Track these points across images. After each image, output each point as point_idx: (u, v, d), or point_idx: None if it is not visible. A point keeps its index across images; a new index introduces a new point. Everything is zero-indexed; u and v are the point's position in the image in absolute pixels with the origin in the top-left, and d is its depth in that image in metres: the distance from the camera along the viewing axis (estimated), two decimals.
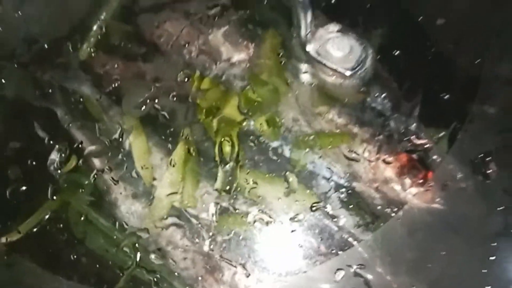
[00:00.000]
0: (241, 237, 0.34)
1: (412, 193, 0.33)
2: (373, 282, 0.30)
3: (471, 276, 0.29)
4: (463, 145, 0.34)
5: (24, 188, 0.36)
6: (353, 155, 0.36)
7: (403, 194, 0.34)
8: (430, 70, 0.37)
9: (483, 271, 0.29)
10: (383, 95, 0.37)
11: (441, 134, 0.34)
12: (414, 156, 0.34)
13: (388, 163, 0.34)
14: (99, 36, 0.41)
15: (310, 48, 0.34)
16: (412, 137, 0.36)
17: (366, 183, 0.34)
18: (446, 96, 0.36)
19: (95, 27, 0.41)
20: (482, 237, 0.30)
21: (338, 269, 0.31)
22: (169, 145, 0.37)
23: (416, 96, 0.36)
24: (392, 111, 0.36)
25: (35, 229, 0.35)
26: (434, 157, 0.35)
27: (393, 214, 0.33)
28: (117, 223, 0.36)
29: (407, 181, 0.34)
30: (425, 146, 0.35)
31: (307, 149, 0.36)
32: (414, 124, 0.35)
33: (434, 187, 0.34)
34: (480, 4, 0.38)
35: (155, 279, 0.33)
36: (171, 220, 0.35)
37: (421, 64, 0.37)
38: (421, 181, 0.34)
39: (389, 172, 0.34)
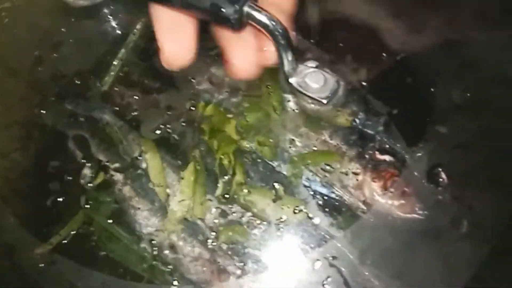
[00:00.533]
0: (240, 241, 0.36)
1: (395, 205, 0.36)
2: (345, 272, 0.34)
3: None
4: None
5: (61, 199, 0.39)
6: (343, 171, 0.38)
7: (387, 206, 0.36)
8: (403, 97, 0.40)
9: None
10: (368, 119, 0.39)
11: (421, 153, 0.37)
12: (396, 171, 0.37)
13: (373, 178, 0.37)
14: (120, 73, 0.44)
15: (292, 80, 0.36)
16: (395, 155, 0.38)
17: (354, 197, 0.37)
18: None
19: (115, 63, 0.44)
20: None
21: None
22: (180, 164, 0.39)
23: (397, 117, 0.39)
24: (378, 132, 0.39)
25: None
26: (414, 172, 0.37)
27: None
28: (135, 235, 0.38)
29: (390, 194, 0.36)
30: (406, 163, 0.37)
31: (302, 167, 0.38)
32: (398, 144, 0.38)
33: (413, 198, 0.36)
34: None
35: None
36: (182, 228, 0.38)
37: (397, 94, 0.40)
38: (402, 194, 0.36)
39: (375, 186, 0.37)
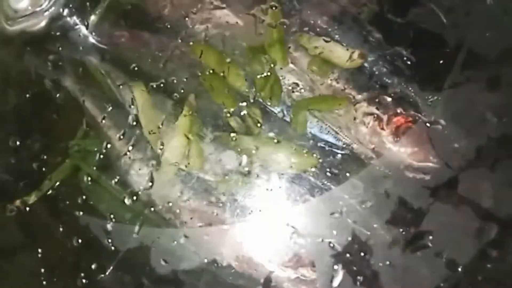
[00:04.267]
0: (244, 194, 0.35)
1: (407, 153, 0.34)
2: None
3: None
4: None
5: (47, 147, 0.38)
6: (351, 118, 0.36)
7: (399, 154, 0.34)
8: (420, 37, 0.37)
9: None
10: (379, 61, 0.37)
11: (435, 97, 0.35)
12: (409, 118, 0.35)
13: (384, 124, 0.35)
14: (107, 11, 0.41)
15: None
16: (407, 100, 0.36)
17: (363, 145, 0.35)
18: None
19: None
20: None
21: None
22: (175, 111, 0.37)
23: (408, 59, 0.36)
24: (388, 76, 0.37)
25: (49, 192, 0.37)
26: (429, 118, 0.35)
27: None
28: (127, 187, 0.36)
29: (403, 141, 0.34)
30: (419, 108, 0.35)
31: (306, 113, 0.36)
32: (410, 88, 0.36)
33: (428, 146, 0.34)
34: None
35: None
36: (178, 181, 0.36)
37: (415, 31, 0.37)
38: (415, 140, 0.34)
39: (385, 133, 0.35)
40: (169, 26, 0.40)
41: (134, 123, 0.38)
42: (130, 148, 0.37)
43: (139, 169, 0.37)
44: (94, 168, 0.37)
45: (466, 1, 0.37)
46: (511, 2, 0.36)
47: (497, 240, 0.29)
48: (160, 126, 0.37)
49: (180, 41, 0.39)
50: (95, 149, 0.38)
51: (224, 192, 0.35)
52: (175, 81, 0.38)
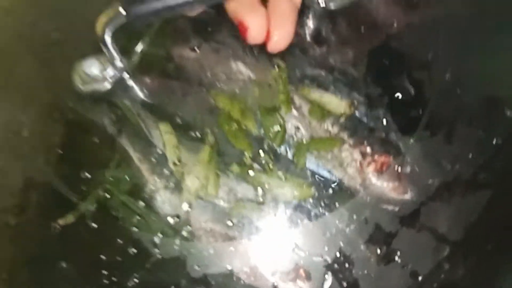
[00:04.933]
0: (253, 219, 0.42)
1: (389, 187, 0.41)
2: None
3: None
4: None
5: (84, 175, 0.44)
6: (343, 156, 0.43)
7: (381, 188, 0.42)
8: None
9: None
10: (367, 110, 0.44)
11: (411, 142, 0.43)
12: (391, 157, 0.42)
13: (370, 162, 0.42)
14: (138, 57, 0.48)
15: None
16: (390, 143, 0.43)
17: (352, 179, 0.42)
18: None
19: (137, 49, 0.48)
20: None
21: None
22: (196, 147, 0.44)
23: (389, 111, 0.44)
24: (374, 122, 0.44)
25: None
26: (408, 159, 0.42)
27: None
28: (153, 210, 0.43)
29: (385, 177, 0.42)
30: (400, 150, 0.43)
31: (306, 152, 0.43)
32: (392, 133, 0.43)
33: (405, 181, 0.42)
34: None
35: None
36: (197, 206, 0.43)
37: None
38: (395, 177, 0.42)
39: (371, 169, 0.42)
40: (194, 76, 0.47)
41: (161, 156, 0.44)
42: (157, 177, 0.44)
43: (164, 195, 0.43)
44: (125, 193, 0.44)
45: (430, 78, 0.44)
46: (466, 78, 0.44)
47: (448, 256, 0.38)
48: (183, 159, 0.44)
49: (201, 88, 0.46)
50: (126, 177, 0.44)
51: (236, 216, 0.42)
52: (196, 121, 0.45)
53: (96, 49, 0.44)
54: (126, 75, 0.47)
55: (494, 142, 0.41)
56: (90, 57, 0.45)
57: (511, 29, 0.46)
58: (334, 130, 0.44)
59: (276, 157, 0.43)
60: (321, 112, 0.45)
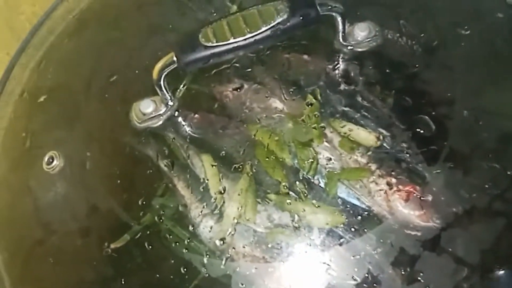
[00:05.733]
0: (289, 243, 0.45)
1: (414, 215, 0.45)
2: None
3: None
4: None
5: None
6: (371, 186, 0.46)
7: (406, 215, 0.45)
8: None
9: None
10: (394, 142, 0.48)
11: (437, 171, 0.46)
12: (415, 187, 0.46)
13: (397, 191, 0.45)
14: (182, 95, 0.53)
15: None
16: (416, 173, 0.47)
17: (380, 207, 0.45)
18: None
19: (181, 88, 0.54)
20: None
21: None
22: (236, 176, 0.47)
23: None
24: (401, 153, 0.47)
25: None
26: (430, 188, 0.46)
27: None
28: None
29: (410, 205, 0.45)
30: (425, 180, 0.46)
31: (337, 181, 0.46)
32: (417, 165, 0.47)
33: (431, 210, 0.45)
34: None
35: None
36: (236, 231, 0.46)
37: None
38: (419, 205, 0.45)
39: (397, 198, 0.46)
40: (233, 112, 0.51)
41: (203, 185, 0.48)
42: (200, 204, 0.48)
43: (207, 222, 0.47)
44: (171, 219, 0.48)
45: (449, 115, 0.49)
46: (483, 114, 0.48)
47: (467, 277, 0.42)
48: (225, 189, 0.47)
49: (241, 123, 0.50)
50: (172, 205, 0.48)
51: (273, 241, 0.45)
52: (236, 153, 0.49)
53: (149, 90, 0.51)
54: (175, 113, 0.53)
55: (509, 173, 0.46)
56: (146, 98, 0.52)
57: None
58: (363, 161, 0.47)
59: (309, 186, 0.47)
60: (350, 144, 0.48)
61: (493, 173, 0.46)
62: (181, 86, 0.54)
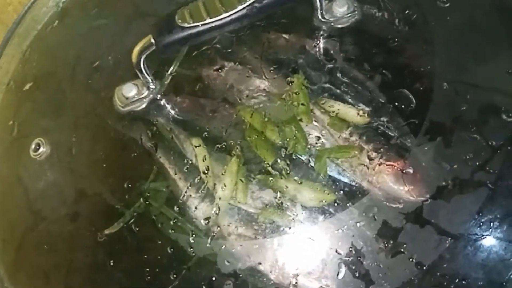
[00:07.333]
0: (276, 220, 0.47)
1: (404, 190, 0.46)
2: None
3: None
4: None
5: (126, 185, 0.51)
6: (361, 163, 0.48)
7: (397, 191, 0.46)
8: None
9: None
10: (383, 119, 0.49)
11: (419, 144, 0.47)
12: (399, 161, 0.47)
13: (386, 167, 0.46)
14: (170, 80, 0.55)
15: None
16: (405, 149, 0.48)
17: (370, 183, 0.47)
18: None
19: (168, 72, 0.55)
20: None
21: None
22: (225, 159, 0.49)
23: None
24: (391, 130, 0.48)
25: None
26: (412, 162, 0.47)
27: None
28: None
29: (401, 180, 0.46)
30: (408, 153, 0.47)
31: (327, 159, 0.47)
32: (407, 140, 0.48)
33: (421, 184, 0.46)
34: None
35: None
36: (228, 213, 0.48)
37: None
38: (403, 178, 0.47)
39: (388, 174, 0.46)
40: (220, 94, 0.53)
41: (193, 168, 0.49)
42: (191, 187, 0.49)
43: (198, 204, 0.48)
44: (162, 202, 0.49)
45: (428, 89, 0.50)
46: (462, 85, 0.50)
47: (449, 247, 0.43)
48: (213, 170, 0.48)
49: (227, 104, 0.52)
50: (163, 189, 0.50)
51: (263, 220, 0.46)
52: (225, 135, 0.50)
53: (133, 74, 0.52)
54: (158, 96, 0.54)
55: (490, 144, 0.47)
56: (128, 82, 0.54)
57: (505, 39, 0.52)
58: (353, 138, 0.49)
59: (298, 164, 0.48)
60: (339, 122, 0.49)
61: (474, 144, 0.47)
62: (167, 71, 0.56)
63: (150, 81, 0.52)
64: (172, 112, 0.54)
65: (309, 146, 0.49)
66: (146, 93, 0.53)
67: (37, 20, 0.66)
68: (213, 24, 0.46)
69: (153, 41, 0.47)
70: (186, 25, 0.46)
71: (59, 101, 0.59)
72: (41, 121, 0.59)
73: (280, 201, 0.47)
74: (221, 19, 0.46)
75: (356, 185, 0.47)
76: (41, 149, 0.55)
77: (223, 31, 0.48)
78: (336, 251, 0.45)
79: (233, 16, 0.46)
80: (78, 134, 0.56)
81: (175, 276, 0.47)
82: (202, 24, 0.47)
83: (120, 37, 0.58)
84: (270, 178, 0.48)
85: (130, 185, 0.51)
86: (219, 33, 0.48)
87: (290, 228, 0.46)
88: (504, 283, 0.44)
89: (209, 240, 0.47)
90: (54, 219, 0.54)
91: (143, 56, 0.49)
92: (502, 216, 0.45)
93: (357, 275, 0.44)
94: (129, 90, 0.52)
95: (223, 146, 0.50)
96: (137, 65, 0.49)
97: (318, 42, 0.53)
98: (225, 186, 0.48)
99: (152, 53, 0.49)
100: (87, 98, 0.57)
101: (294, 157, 0.48)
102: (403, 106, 0.49)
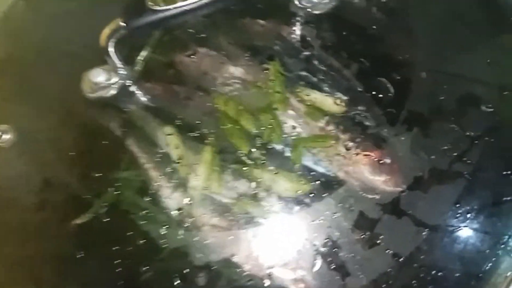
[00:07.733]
0: (251, 211, 0.46)
1: (381, 180, 0.45)
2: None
3: None
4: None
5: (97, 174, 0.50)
6: (337, 153, 0.47)
7: (374, 181, 0.46)
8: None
9: None
10: (360, 108, 0.48)
11: (397, 134, 0.47)
12: (376, 151, 0.47)
13: (363, 157, 0.46)
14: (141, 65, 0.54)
15: None
16: (382, 139, 0.48)
17: (347, 173, 0.46)
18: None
19: (139, 58, 0.54)
20: None
21: None
22: (199, 148, 0.48)
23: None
24: (367, 120, 0.48)
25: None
26: (390, 152, 0.47)
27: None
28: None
29: (378, 170, 0.46)
30: (386, 143, 0.47)
31: (302, 149, 0.47)
32: (385, 129, 0.48)
33: (397, 175, 0.46)
34: None
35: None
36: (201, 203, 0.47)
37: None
38: (387, 171, 0.46)
39: (364, 164, 0.46)
40: (193, 80, 0.52)
41: (166, 157, 0.49)
42: (163, 177, 0.48)
43: (171, 194, 0.48)
44: (133, 191, 0.49)
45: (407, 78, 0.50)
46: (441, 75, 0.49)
47: (426, 239, 0.43)
48: (187, 159, 0.48)
49: (201, 91, 0.51)
50: (135, 178, 0.49)
51: (238, 210, 0.46)
52: (198, 123, 0.49)
53: (102, 59, 0.51)
54: (129, 82, 0.53)
55: (468, 135, 0.47)
56: (96, 67, 0.52)
57: (485, 30, 0.52)
58: (330, 128, 0.48)
59: (273, 154, 0.48)
60: (316, 111, 0.49)
61: (453, 135, 0.47)
62: (138, 57, 0.55)
63: (120, 66, 0.50)
64: (144, 99, 0.53)
65: (284, 135, 0.48)
66: (116, 79, 0.51)
67: (3, 3, 0.63)
68: (185, 8, 0.45)
69: (122, 23, 0.45)
70: (157, 7, 0.45)
71: (25, 86, 0.56)
72: (6, 107, 0.57)
73: (255, 191, 0.47)
74: (194, 2, 0.45)
75: (333, 175, 0.47)
76: (7, 136, 0.53)
77: (196, 15, 0.46)
78: (312, 243, 0.45)
79: (207, 0, 0.44)
80: (45, 121, 0.55)
81: (147, 267, 0.46)
82: (174, 8, 0.45)
83: (90, 19, 0.56)
84: (245, 168, 0.47)
85: (100, 174, 0.50)
86: (192, 17, 0.46)
87: (265, 218, 0.46)
88: (481, 275, 0.43)
89: (182, 231, 0.47)
90: (21, 209, 0.52)
91: (113, 40, 0.46)
92: (479, 207, 0.45)
93: (333, 266, 0.44)
94: (97, 75, 0.50)
95: (197, 134, 0.49)
96: (106, 49, 0.48)
97: (294, 28, 0.53)
98: (198, 175, 0.47)
99: (124, 39, 0.48)
100: (54, 83, 0.54)
101: (270, 147, 0.48)
102: (380, 95, 0.49)
